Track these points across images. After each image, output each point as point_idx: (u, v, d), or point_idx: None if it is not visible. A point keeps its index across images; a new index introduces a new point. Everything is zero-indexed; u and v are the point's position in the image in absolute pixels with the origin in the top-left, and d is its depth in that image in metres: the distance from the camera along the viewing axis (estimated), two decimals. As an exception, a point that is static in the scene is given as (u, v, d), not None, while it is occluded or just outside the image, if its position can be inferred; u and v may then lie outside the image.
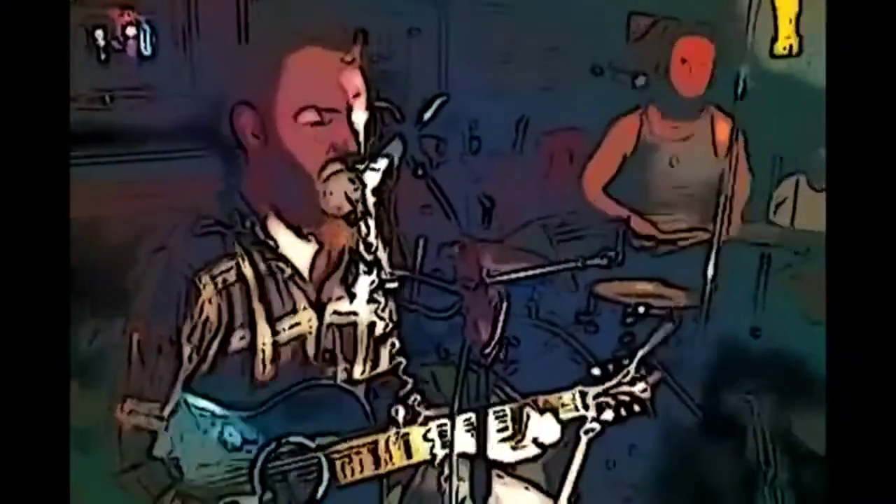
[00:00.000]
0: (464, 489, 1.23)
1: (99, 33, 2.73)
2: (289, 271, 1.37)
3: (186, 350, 1.28)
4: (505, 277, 2.26)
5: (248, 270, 1.33)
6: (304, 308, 1.37)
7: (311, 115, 1.28)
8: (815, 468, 2.47)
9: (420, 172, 1.18)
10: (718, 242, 2.43)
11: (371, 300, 1.31)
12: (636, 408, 1.48)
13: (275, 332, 1.34)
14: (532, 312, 2.77)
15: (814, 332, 2.67)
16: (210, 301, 1.29)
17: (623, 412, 1.48)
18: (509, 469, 1.55)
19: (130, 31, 2.79)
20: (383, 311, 1.32)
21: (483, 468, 1.16)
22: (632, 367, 1.48)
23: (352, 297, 1.37)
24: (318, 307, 1.38)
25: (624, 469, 2.36)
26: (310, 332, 1.38)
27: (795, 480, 2.46)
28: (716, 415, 2.52)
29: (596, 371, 1.49)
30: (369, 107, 1.30)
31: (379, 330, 1.40)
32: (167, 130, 2.79)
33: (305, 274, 1.39)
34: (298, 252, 1.38)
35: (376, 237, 1.22)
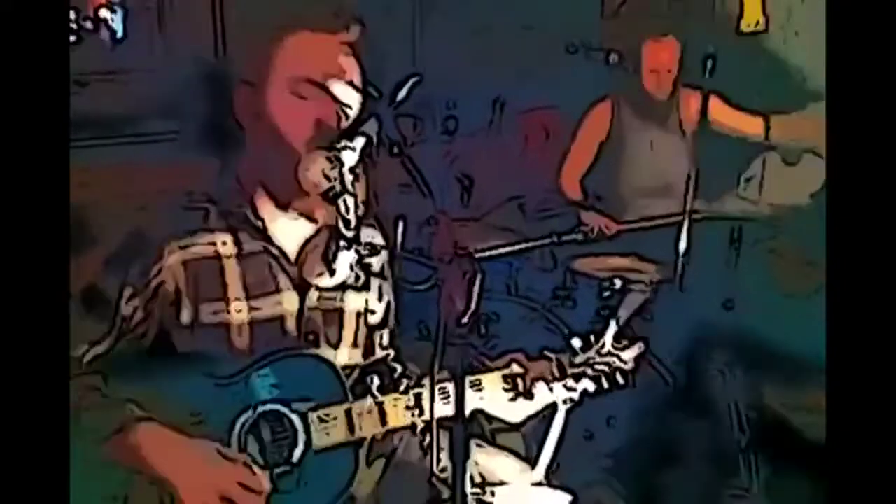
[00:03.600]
0: (444, 458, 1.27)
1: (70, 16, 2.70)
2: (275, 251, 1.39)
3: (128, 308, 1.31)
4: (483, 254, 2.28)
5: (227, 248, 1.36)
6: (288, 289, 1.39)
7: (301, 88, 1.31)
8: (786, 435, 2.55)
9: (395, 151, 1.20)
10: (690, 216, 2.46)
11: (357, 279, 1.32)
12: (619, 379, 1.48)
13: (252, 309, 1.36)
14: (511, 289, 2.81)
15: (784, 303, 2.74)
16: (171, 268, 1.32)
17: (605, 384, 1.48)
18: (489, 437, 1.58)
19: (103, 13, 2.76)
20: (363, 285, 1.34)
21: (462, 435, 1.19)
22: (608, 338, 1.49)
23: (332, 272, 1.38)
24: (302, 289, 1.40)
25: (602, 440, 2.41)
26: (291, 314, 1.39)
27: (768, 447, 2.53)
28: (690, 385, 2.58)
29: (576, 342, 1.49)
30: (358, 88, 1.33)
31: (361, 306, 1.43)
32: (141, 113, 2.78)
33: (292, 256, 1.41)
34: (288, 233, 1.40)
35: (355, 214, 1.24)
